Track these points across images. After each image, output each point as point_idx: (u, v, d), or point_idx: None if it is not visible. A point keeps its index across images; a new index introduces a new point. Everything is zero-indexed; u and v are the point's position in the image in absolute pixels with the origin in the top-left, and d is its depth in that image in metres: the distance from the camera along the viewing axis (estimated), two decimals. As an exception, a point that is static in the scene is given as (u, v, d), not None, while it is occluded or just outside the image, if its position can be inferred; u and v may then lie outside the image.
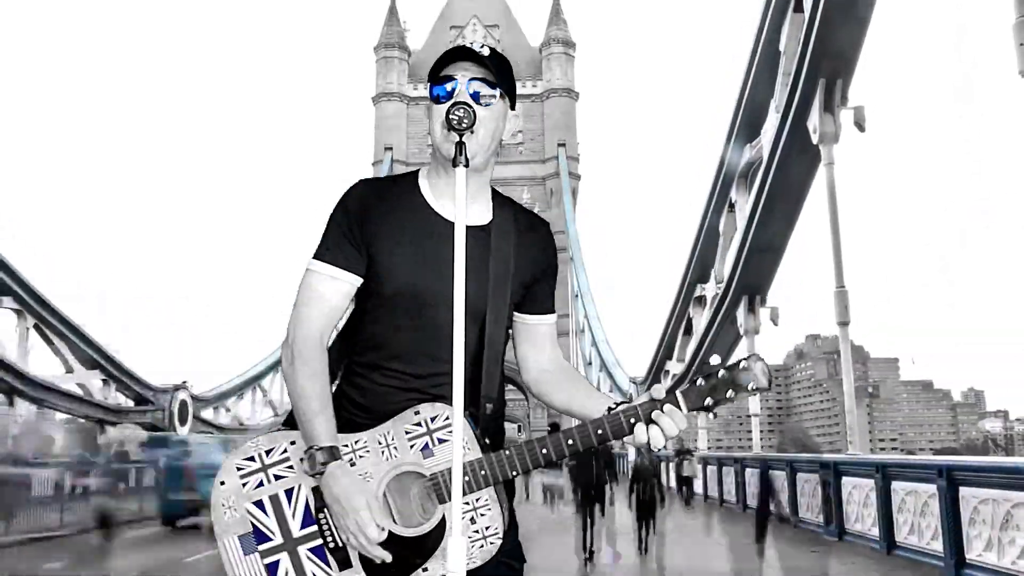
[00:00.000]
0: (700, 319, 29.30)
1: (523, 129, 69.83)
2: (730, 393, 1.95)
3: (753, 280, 24.16)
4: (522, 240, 2.15)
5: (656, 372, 33.15)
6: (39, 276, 32.38)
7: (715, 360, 2.09)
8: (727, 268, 25.64)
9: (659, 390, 1.96)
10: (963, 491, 10.11)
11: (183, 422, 39.74)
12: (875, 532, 12.45)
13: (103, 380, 34.94)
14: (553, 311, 2.28)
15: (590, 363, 51.32)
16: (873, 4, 17.08)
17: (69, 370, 32.99)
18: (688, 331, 30.92)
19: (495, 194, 2.20)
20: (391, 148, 68.73)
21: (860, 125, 17.82)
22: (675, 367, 31.48)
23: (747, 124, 23.68)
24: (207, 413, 46.58)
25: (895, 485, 12.03)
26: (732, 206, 25.76)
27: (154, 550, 15.14)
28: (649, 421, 1.95)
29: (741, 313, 24.72)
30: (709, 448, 35.82)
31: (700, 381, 1.98)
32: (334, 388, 2.13)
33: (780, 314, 24.55)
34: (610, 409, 2.03)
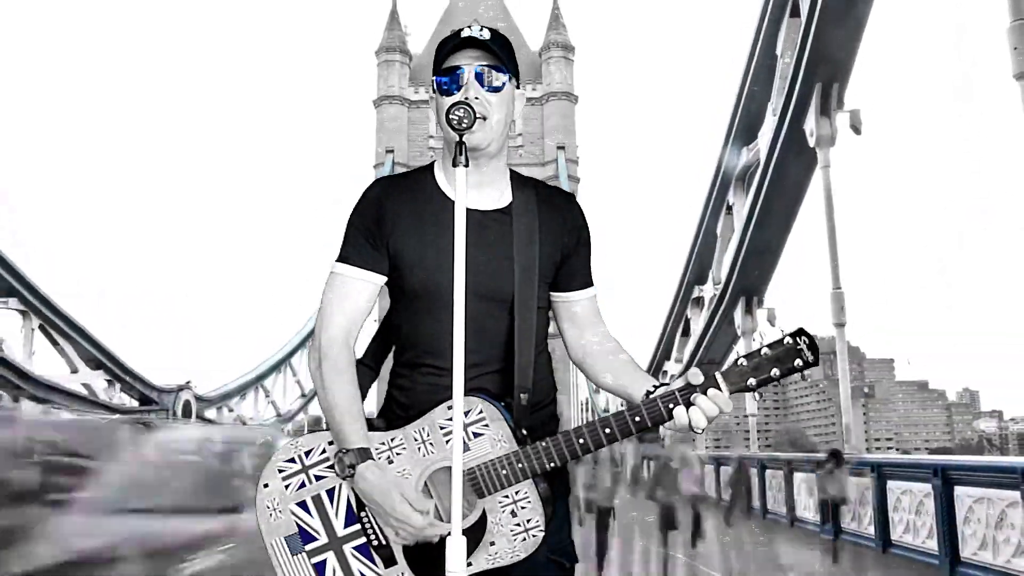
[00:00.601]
0: (698, 320, 29.31)
1: (523, 132, 69.95)
2: (775, 371, 1.85)
3: (750, 281, 24.19)
4: (546, 218, 2.07)
5: (654, 373, 33.07)
6: (41, 275, 32.28)
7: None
8: (725, 270, 25.66)
9: (696, 374, 1.87)
10: (958, 490, 10.11)
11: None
12: (871, 531, 12.44)
13: (107, 380, 34.95)
14: (591, 284, 2.17)
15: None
16: (868, 10, 17.12)
17: (74, 370, 33.02)
18: (686, 332, 30.93)
19: (514, 175, 2.13)
20: (392, 151, 68.71)
21: (856, 128, 17.86)
22: (673, 367, 31.47)
23: (744, 127, 23.72)
24: (211, 413, 46.59)
25: (891, 484, 12.02)
26: (730, 208, 25.78)
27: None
28: (688, 405, 1.86)
29: (738, 314, 24.75)
30: (707, 448, 35.82)
31: (742, 360, 1.87)
32: (380, 391, 2.13)
33: (777, 315, 24.56)
34: (648, 394, 1.96)
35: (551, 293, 2.14)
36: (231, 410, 50.36)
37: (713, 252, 27.45)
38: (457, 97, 1.96)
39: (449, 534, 1.84)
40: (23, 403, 29.45)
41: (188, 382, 41.58)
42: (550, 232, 2.07)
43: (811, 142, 18.14)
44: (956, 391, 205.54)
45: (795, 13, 19.42)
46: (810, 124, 18.19)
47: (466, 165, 1.78)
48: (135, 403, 37.74)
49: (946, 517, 10.15)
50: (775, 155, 20.59)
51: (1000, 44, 10.54)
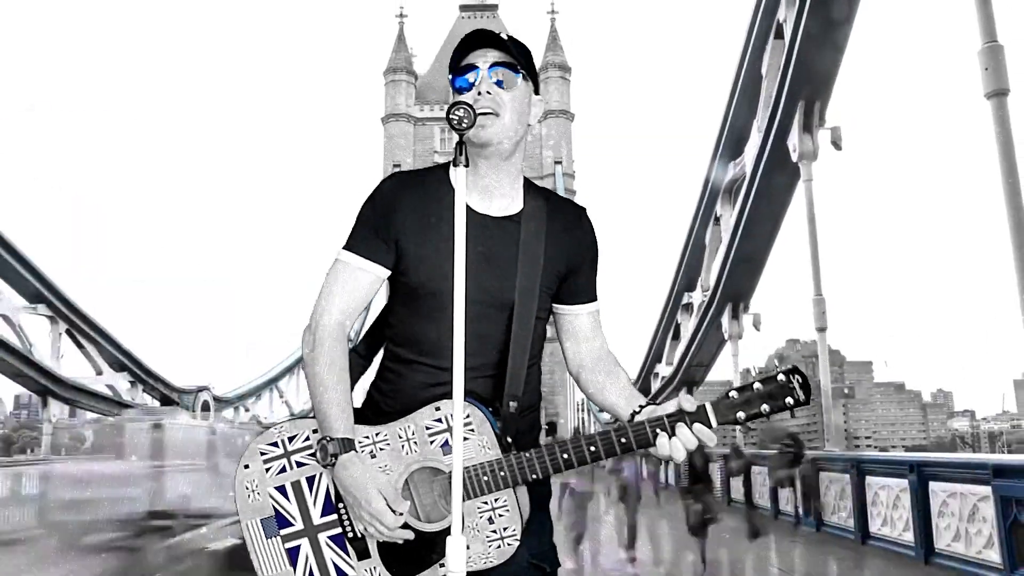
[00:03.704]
0: (687, 325, 29.26)
1: (522, 148, 70.19)
2: (765, 408, 1.75)
3: (737, 288, 24.17)
4: (554, 229, 1.97)
5: (646, 374, 33.10)
6: (67, 281, 32.24)
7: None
8: (712, 277, 25.62)
9: (689, 401, 1.78)
10: (933, 485, 10.11)
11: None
12: (851, 524, 12.44)
13: (130, 382, 34.89)
14: (594, 299, 2.07)
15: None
16: (849, 33, 17.13)
17: (99, 372, 32.97)
18: (676, 336, 30.87)
19: (528, 184, 2.01)
20: (399, 165, 68.71)
21: (837, 144, 17.86)
22: (664, 370, 31.45)
23: (731, 143, 23.71)
24: (228, 412, 46.53)
25: (869, 480, 12.01)
26: (717, 219, 25.76)
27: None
28: (673, 433, 1.78)
29: (726, 319, 24.73)
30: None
31: (733, 394, 1.78)
32: (369, 382, 2.05)
33: (762, 320, 24.54)
34: (634, 414, 1.88)
35: (554, 305, 2.05)
36: (247, 410, 50.30)
37: (702, 261, 27.41)
38: (471, 94, 1.87)
39: (420, 535, 1.81)
40: (51, 403, 29.48)
41: (208, 384, 41.60)
42: (557, 244, 1.97)
43: (794, 157, 18.16)
44: (931, 392, 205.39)
45: (779, 35, 19.43)
46: (793, 140, 18.20)
47: (466, 165, 1.69)
48: (156, 403, 37.71)
49: (921, 511, 10.16)
50: (760, 169, 20.60)
51: (972, 64, 10.55)
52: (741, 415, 1.76)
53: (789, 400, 1.75)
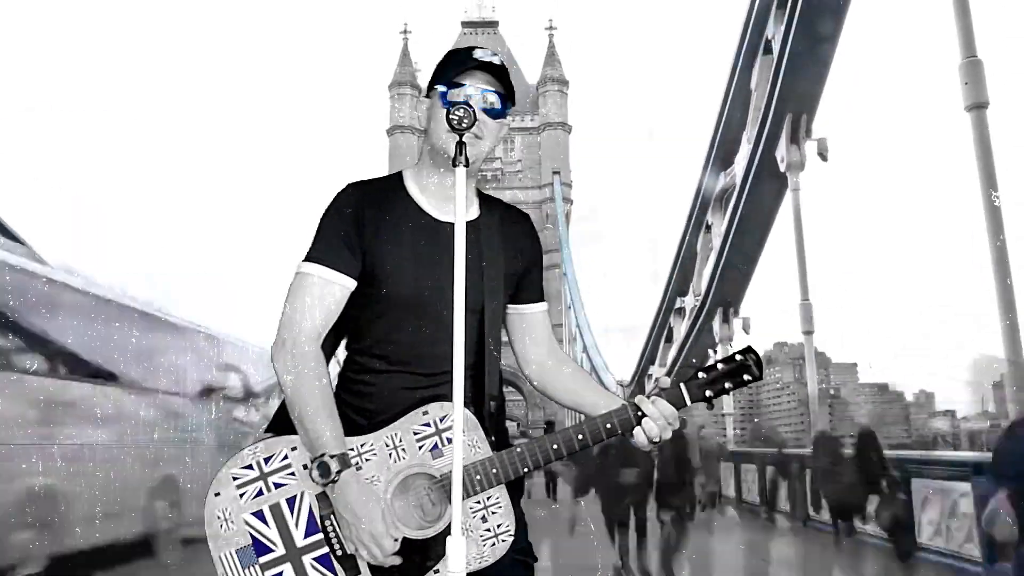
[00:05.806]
0: (680, 328, 29.29)
1: (521, 159, 70.17)
2: (728, 385, 1.81)
3: (727, 293, 24.20)
4: (508, 232, 1.94)
5: (640, 376, 33.10)
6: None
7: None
8: (704, 283, 25.67)
9: (666, 380, 1.81)
10: (915, 482, 10.08)
11: (217, 420, 39.68)
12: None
13: (145, 382, 34.95)
14: (544, 300, 2.02)
15: (581, 367, 51.67)
16: (834, 49, 17.21)
17: (115, 373, 33.02)
18: (669, 339, 30.89)
19: (478, 192, 1.98)
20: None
21: (823, 155, 17.91)
22: (657, 371, 31.41)
23: (722, 154, 23.78)
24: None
25: (854, 477, 11.99)
26: (709, 227, 25.80)
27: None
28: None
29: (716, 323, 24.76)
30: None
31: (701, 374, 1.82)
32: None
33: (751, 324, 24.57)
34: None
35: (510, 306, 1.98)
36: (257, 410, 50.25)
37: (694, 267, 27.45)
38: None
39: (412, 543, 1.70)
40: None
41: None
42: (512, 246, 1.93)
43: (782, 167, 18.22)
44: (913, 392, 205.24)
45: (767, 51, 19.50)
46: (781, 151, 18.26)
47: (466, 165, 1.61)
48: (170, 403, 37.68)
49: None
50: (749, 179, 20.65)
51: (953, 78, 10.60)
52: (709, 393, 1.82)
53: (747, 376, 1.82)
